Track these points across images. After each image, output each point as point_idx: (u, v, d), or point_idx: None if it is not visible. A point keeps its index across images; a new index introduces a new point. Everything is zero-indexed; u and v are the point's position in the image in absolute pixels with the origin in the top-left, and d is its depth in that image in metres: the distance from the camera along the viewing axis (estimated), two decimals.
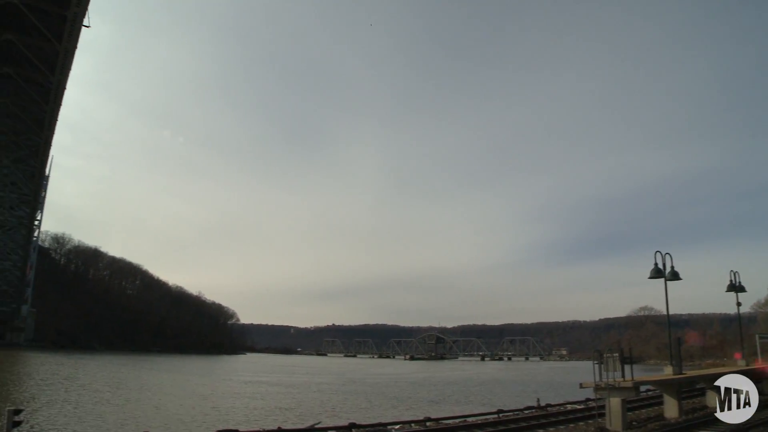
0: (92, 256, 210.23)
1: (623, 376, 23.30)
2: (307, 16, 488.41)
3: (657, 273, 29.68)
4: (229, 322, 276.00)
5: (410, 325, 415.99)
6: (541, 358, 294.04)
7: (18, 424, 18.88)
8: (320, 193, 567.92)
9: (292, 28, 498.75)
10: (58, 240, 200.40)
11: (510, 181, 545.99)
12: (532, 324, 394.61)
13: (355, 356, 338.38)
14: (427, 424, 28.89)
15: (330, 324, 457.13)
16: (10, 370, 79.32)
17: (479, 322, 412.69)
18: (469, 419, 32.17)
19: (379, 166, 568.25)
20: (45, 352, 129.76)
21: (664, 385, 28.30)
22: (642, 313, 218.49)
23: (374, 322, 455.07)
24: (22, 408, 24.49)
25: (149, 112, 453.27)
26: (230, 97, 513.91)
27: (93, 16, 62.94)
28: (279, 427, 27.17)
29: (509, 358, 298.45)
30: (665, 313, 31.11)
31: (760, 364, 37.87)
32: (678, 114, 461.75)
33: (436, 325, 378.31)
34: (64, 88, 79.08)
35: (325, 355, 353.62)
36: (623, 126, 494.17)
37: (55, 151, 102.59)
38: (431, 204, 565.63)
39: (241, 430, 26.06)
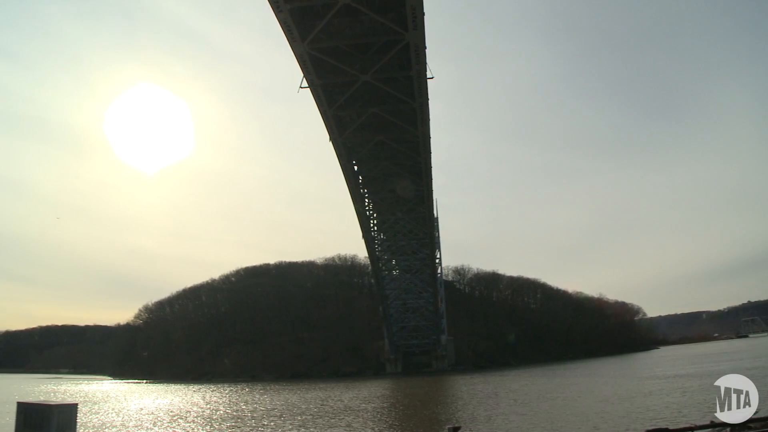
0: (492, 279, 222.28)
1: None
2: None
3: None
4: (635, 318, 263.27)
5: None
6: None
7: None
8: (695, 164, 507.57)
9: None
10: (459, 272, 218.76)
11: None
12: None
13: None
14: None
15: (745, 302, 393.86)
16: (443, 393, 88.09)
17: None
18: None
19: (751, 117, 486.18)
20: (467, 374, 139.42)
21: None
22: None
23: None
24: (459, 425, 25.61)
25: (507, 132, 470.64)
26: (582, 91, 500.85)
27: (431, 63, 66.44)
28: (711, 421, 23.47)
29: None
30: None
31: None
32: None
33: None
34: (429, 138, 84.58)
35: (746, 336, 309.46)
36: None
37: (436, 194, 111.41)
38: None
39: (670, 428, 23.30)
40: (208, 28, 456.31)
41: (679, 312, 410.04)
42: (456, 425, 24.16)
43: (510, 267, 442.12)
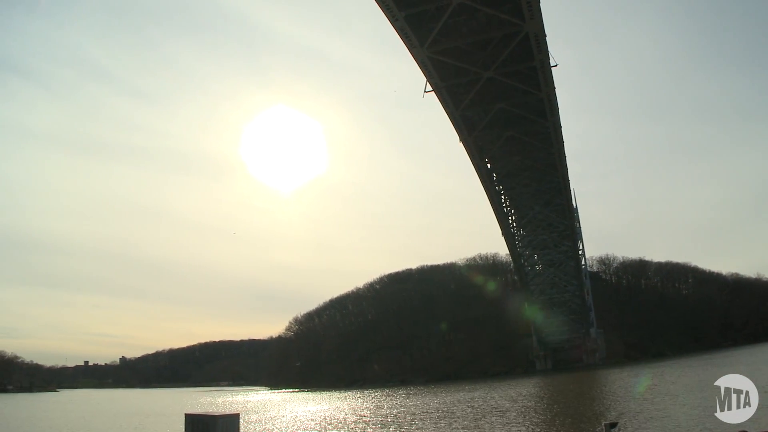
0: (639, 267, 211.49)
1: None
2: None
3: None
4: None
5: None
6: None
7: None
8: None
9: None
10: (604, 261, 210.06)
11: None
12: None
13: None
14: None
15: None
16: (594, 388, 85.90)
17: None
18: None
19: None
20: (618, 367, 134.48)
21: None
22: None
23: None
24: (617, 422, 25.25)
25: (637, 112, 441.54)
26: (707, 63, 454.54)
27: (552, 50, 64.48)
28: None
29: None
30: None
31: None
32: None
33: None
34: (560, 127, 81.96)
35: None
36: None
37: (573, 183, 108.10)
38: None
39: None
40: (324, 44, 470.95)
41: None
42: (613, 421, 23.57)
43: (657, 252, 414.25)
